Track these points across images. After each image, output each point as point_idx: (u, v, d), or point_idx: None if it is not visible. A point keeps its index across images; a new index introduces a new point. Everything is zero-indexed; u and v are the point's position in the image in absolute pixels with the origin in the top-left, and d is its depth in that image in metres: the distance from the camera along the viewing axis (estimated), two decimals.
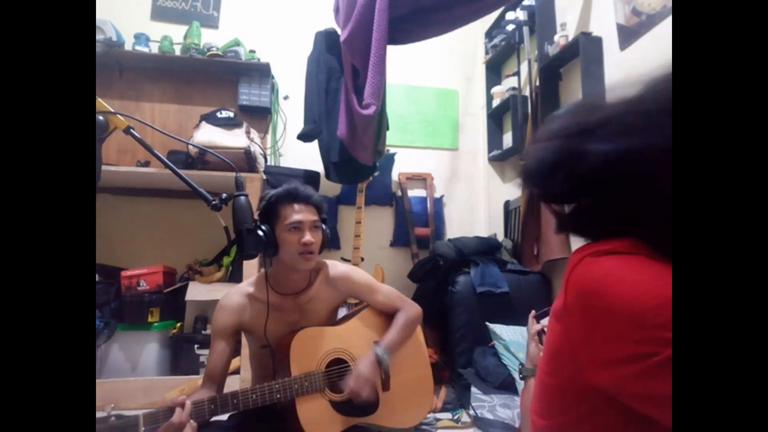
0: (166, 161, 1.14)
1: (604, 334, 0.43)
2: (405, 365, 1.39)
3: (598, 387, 0.46)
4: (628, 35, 1.93)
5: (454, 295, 2.33)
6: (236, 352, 2.11)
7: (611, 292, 0.43)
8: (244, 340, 1.48)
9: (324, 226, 1.32)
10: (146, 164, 2.51)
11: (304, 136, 2.51)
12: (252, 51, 2.83)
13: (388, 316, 1.41)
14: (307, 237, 1.23)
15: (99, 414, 0.93)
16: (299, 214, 1.24)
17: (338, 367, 1.27)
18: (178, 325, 2.42)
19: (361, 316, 1.40)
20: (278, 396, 1.15)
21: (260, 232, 1.20)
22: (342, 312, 1.50)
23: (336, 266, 1.41)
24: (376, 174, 2.83)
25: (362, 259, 2.68)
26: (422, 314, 1.44)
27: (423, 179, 3.18)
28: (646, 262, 0.45)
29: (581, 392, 0.48)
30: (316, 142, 2.55)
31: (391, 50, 2.05)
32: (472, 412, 1.88)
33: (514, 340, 2.10)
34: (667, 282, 0.41)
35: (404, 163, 3.15)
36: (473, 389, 1.99)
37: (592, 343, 0.45)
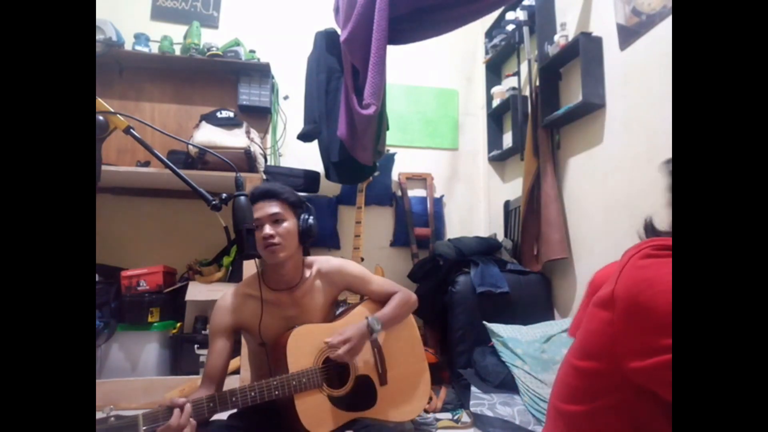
0: (166, 161, 1.14)
1: (646, 324, 0.46)
2: (401, 359, 1.41)
3: (635, 375, 0.47)
4: (628, 35, 1.93)
5: (454, 295, 2.33)
6: (236, 351, 2.11)
7: (657, 286, 0.46)
8: (243, 339, 1.48)
9: (307, 216, 1.33)
10: (146, 164, 2.51)
11: (304, 136, 2.51)
12: (252, 51, 2.83)
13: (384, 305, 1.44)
14: (265, 231, 1.25)
15: (98, 414, 0.92)
16: (257, 211, 1.26)
17: (336, 363, 1.28)
18: (178, 325, 2.42)
19: (357, 310, 1.42)
20: (276, 392, 1.15)
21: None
22: (340, 311, 1.51)
23: (329, 260, 1.43)
24: (376, 174, 2.83)
25: (362, 259, 2.68)
26: (417, 301, 1.48)
27: (423, 179, 3.18)
28: None
29: (617, 380, 0.50)
30: (316, 142, 2.55)
31: (391, 50, 2.05)
32: (471, 410, 1.88)
33: (512, 337, 2.10)
34: None
35: (404, 163, 3.15)
36: (473, 388, 1.99)
37: (633, 332, 0.48)
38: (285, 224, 1.29)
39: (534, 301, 2.35)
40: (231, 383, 1.31)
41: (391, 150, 3.10)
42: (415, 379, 1.43)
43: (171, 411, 1.00)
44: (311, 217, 1.35)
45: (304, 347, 1.26)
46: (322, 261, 1.42)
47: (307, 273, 1.38)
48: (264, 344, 1.30)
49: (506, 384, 1.98)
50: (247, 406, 1.13)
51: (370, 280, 1.45)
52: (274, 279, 1.34)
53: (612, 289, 0.51)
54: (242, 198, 1.14)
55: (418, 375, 1.44)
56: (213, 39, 2.82)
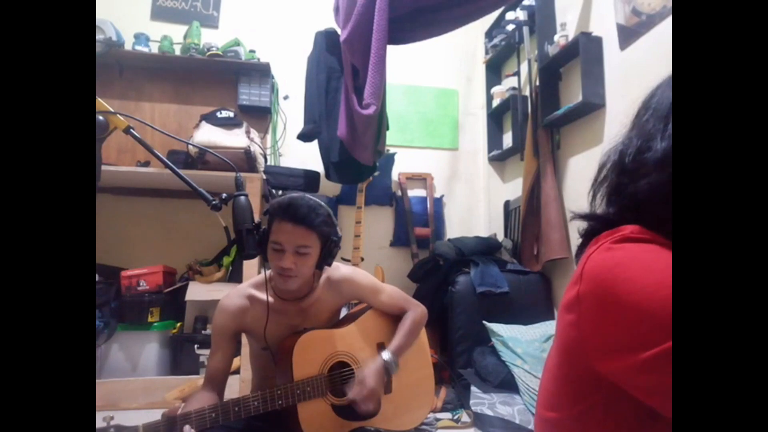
0: (166, 161, 1.14)
1: (614, 321, 0.44)
2: (407, 367, 1.37)
3: (606, 376, 0.46)
4: (628, 35, 1.93)
5: (454, 295, 2.33)
6: (237, 351, 2.11)
7: (623, 280, 0.44)
8: (244, 339, 1.47)
9: (333, 244, 1.22)
10: (146, 164, 2.51)
11: (304, 136, 2.51)
12: (252, 51, 2.83)
13: (392, 316, 1.39)
14: (284, 262, 1.15)
15: (98, 424, 0.92)
16: (283, 234, 1.15)
17: (341, 371, 1.26)
18: (178, 325, 2.42)
19: (365, 317, 1.37)
20: (280, 402, 1.13)
21: (257, 234, 1.15)
22: (343, 312, 1.49)
23: (339, 269, 1.35)
24: (376, 174, 2.83)
25: (362, 259, 2.68)
26: (427, 314, 1.41)
27: (423, 179, 3.18)
28: (659, 250, 0.45)
29: (592, 383, 0.49)
30: (316, 142, 2.55)
31: (391, 50, 2.05)
32: (471, 409, 1.88)
33: (512, 336, 2.10)
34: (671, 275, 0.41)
35: (404, 163, 3.15)
36: (473, 388, 1.99)
37: (602, 331, 0.46)
38: (308, 258, 1.18)
39: (534, 301, 2.35)
40: (231, 383, 1.31)
41: (391, 150, 3.10)
42: (419, 386, 1.39)
43: (172, 423, 1.00)
44: (336, 246, 1.24)
45: (311, 354, 1.22)
46: (332, 268, 1.35)
47: (316, 283, 1.32)
48: (267, 348, 1.27)
49: (506, 383, 1.99)
50: (250, 415, 1.11)
51: (380, 290, 1.37)
52: (282, 288, 1.27)
53: (577, 290, 0.49)
54: (242, 198, 1.13)
55: (422, 382, 1.41)
56: (213, 39, 2.82)
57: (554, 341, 0.56)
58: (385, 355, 1.25)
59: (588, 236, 0.54)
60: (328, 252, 1.23)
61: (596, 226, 0.53)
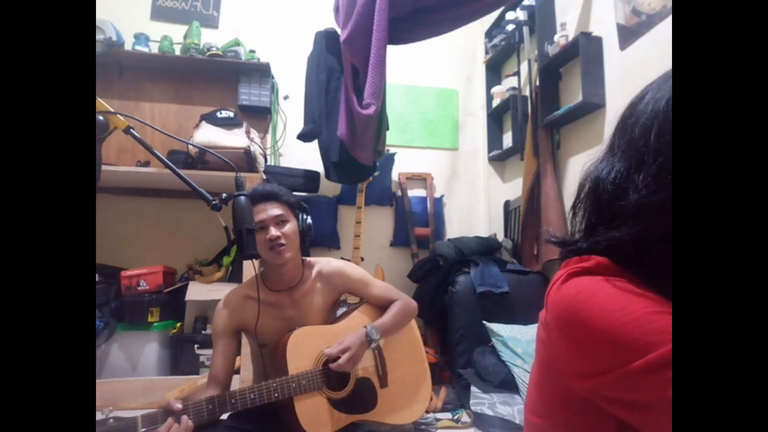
0: (166, 161, 1.14)
1: (580, 347, 0.46)
2: (402, 362, 1.40)
3: (580, 394, 0.48)
4: (628, 35, 1.93)
5: (454, 295, 2.33)
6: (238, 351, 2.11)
7: (586, 308, 0.46)
8: (245, 339, 1.49)
9: (305, 216, 1.35)
10: (146, 164, 2.51)
11: (304, 136, 2.51)
12: (252, 51, 2.83)
13: (384, 311, 1.43)
14: (271, 233, 1.26)
15: (98, 416, 0.93)
16: (260, 213, 1.27)
17: None
18: (178, 325, 2.42)
19: (357, 313, 1.42)
20: (276, 395, 1.16)
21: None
22: (341, 312, 1.51)
23: (330, 263, 1.43)
24: (376, 174, 2.83)
25: (362, 259, 2.68)
26: (417, 307, 1.47)
27: (423, 179, 3.18)
28: (617, 281, 0.47)
29: (567, 397, 0.50)
30: (316, 142, 2.55)
31: (391, 50, 2.05)
32: (471, 409, 1.88)
33: (512, 336, 2.10)
34: (634, 301, 0.43)
35: (404, 163, 3.15)
36: (473, 388, 1.99)
37: (569, 356, 0.48)
38: (288, 225, 1.30)
39: (534, 301, 2.35)
40: (232, 383, 1.32)
41: (391, 150, 3.10)
42: (415, 381, 1.43)
43: (169, 412, 1.02)
44: (308, 217, 1.36)
45: (304, 349, 1.26)
46: (323, 262, 1.42)
47: (307, 274, 1.38)
48: (265, 345, 1.30)
49: (506, 383, 1.99)
50: (247, 407, 1.13)
51: (371, 284, 1.44)
52: (274, 279, 1.34)
53: (545, 316, 0.52)
54: (242, 198, 1.14)
55: (418, 377, 1.44)
56: (213, 39, 2.81)
57: (535, 352, 0.58)
58: (368, 326, 1.32)
59: (563, 260, 0.56)
60: (305, 224, 1.34)
61: (568, 254, 0.55)
